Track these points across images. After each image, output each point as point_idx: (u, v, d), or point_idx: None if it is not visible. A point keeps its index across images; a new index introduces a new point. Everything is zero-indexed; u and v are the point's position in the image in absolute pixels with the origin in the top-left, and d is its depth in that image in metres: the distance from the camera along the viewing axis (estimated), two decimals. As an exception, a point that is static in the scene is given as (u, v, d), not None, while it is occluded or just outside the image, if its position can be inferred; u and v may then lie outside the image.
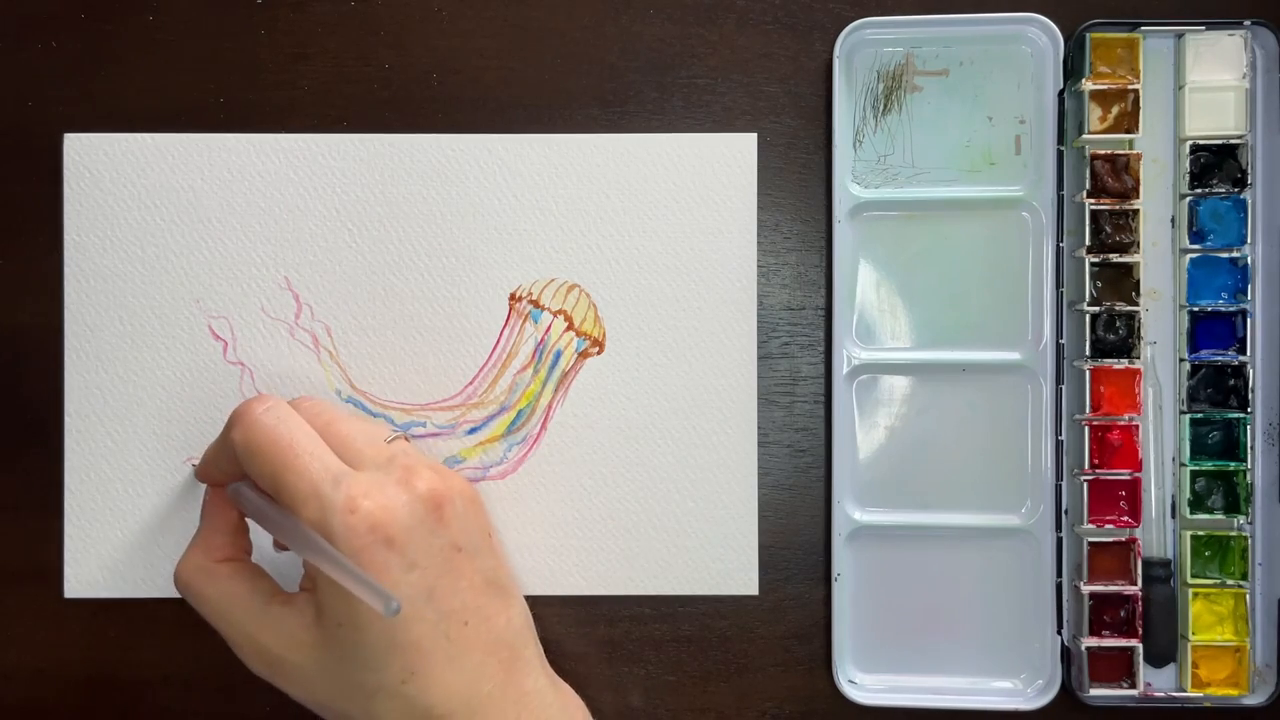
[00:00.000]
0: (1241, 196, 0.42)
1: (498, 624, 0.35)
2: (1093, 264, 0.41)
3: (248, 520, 0.39)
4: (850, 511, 0.42)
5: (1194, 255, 0.42)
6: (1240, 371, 0.42)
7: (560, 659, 0.41)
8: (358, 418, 0.39)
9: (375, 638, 0.33)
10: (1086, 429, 0.42)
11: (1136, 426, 0.42)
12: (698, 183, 0.43)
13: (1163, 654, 0.42)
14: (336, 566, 0.32)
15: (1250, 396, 0.42)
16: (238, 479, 0.37)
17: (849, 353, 0.43)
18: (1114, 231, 0.41)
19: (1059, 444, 0.42)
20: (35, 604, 0.43)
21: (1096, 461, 0.42)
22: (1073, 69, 0.42)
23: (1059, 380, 0.42)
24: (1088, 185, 0.41)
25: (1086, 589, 0.41)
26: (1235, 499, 0.42)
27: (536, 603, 0.41)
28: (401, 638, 0.33)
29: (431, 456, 0.42)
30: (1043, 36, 0.42)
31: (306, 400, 0.38)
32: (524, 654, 0.36)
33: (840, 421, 0.42)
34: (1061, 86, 0.42)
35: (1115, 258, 0.41)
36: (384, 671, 0.34)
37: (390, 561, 0.33)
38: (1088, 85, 0.41)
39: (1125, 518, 0.42)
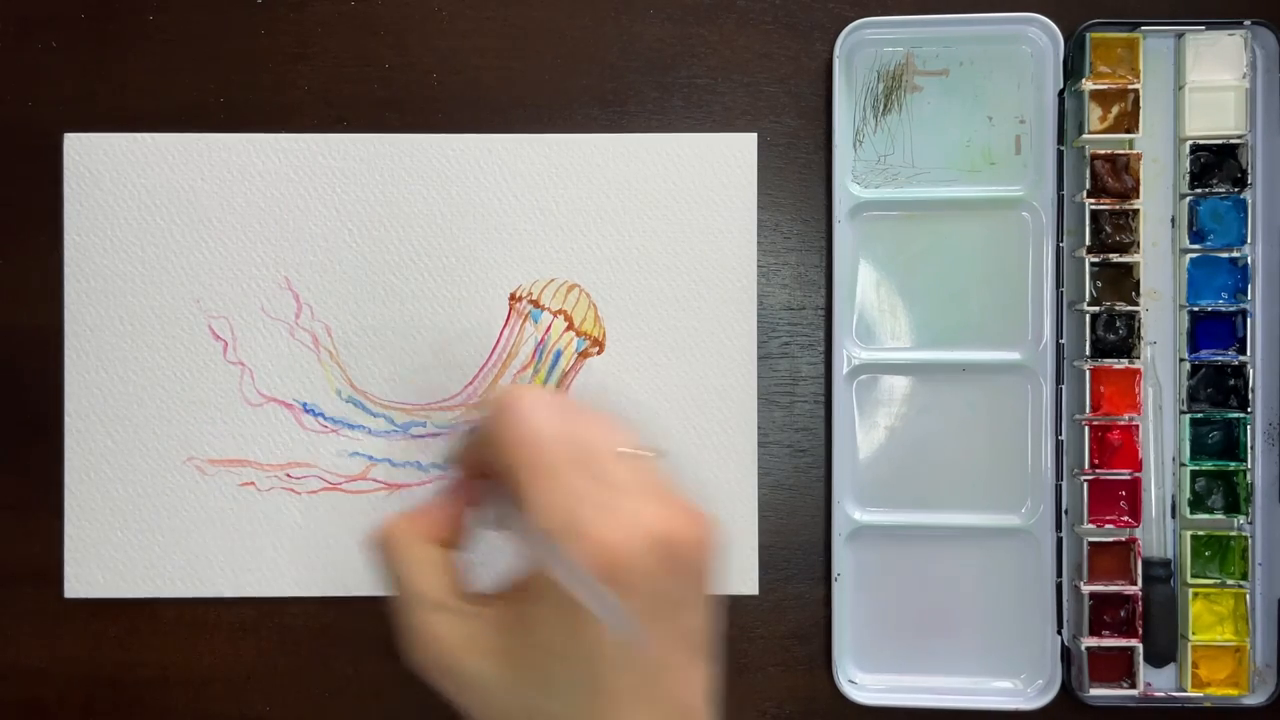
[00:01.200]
0: (1241, 196, 0.41)
1: (689, 690, 0.32)
2: (1093, 264, 0.41)
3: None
4: (850, 511, 0.42)
5: (1194, 255, 0.42)
6: (1240, 371, 0.42)
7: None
8: (610, 425, 0.36)
9: (574, 673, 0.30)
10: (1086, 429, 0.42)
11: (1136, 426, 0.42)
12: (698, 183, 0.43)
13: (1163, 654, 0.42)
14: (574, 578, 0.30)
15: (1250, 396, 0.42)
16: (490, 469, 0.33)
17: (849, 353, 0.42)
18: (1114, 231, 0.41)
19: (1059, 444, 0.42)
20: (35, 604, 0.43)
21: (1096, 461, 0.42)
22: (1073, 69, 0.42)
23: (1059, 380, 0.42)
24: (1088, 185, 0.41)
25: (1086, 589, 0.41)
26: (1235, 499, 0.41)
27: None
28: (604, 684, 0.30)
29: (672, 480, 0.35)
30: (1043, 36, 0.42)
31: (562, 397, 0.35)
32: None
33: (840, 421, 0.42)
34: (1061, 86, 0.42)
35: (1115, 258, 0.41)
36: (571, 708, 0.31)
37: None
38: (1088, 85, 0.41)
39: (1125, 518, 0.42)
